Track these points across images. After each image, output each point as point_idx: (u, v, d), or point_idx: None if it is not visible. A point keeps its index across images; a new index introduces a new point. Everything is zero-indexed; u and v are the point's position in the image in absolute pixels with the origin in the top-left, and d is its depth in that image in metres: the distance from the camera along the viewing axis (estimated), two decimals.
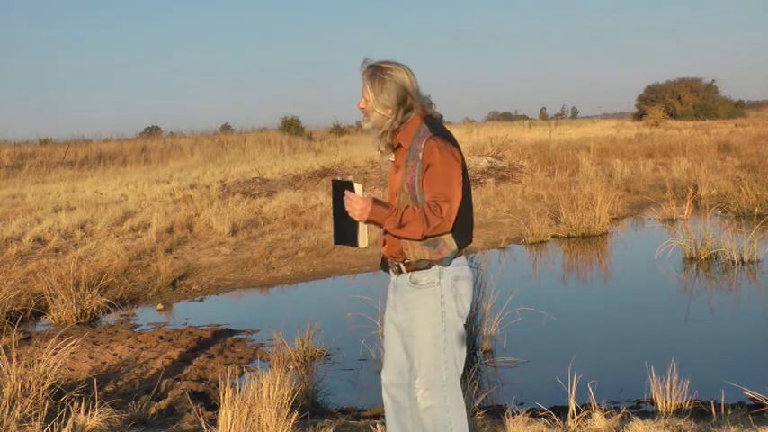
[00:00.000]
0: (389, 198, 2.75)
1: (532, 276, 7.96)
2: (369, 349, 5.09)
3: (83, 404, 3.82)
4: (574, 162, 16.96)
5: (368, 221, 2.59)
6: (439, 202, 2.57)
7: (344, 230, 2.65)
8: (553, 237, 9.85)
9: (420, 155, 2.60)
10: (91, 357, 5.44)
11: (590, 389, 3.86)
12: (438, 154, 2.60)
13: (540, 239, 9.60)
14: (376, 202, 2.59)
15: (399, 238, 2.65)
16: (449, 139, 2.66)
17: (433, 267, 2.67)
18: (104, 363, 5.31)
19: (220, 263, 9.07)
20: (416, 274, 2.69)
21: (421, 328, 2.68)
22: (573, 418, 3.63)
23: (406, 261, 2.69)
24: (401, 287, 2.74)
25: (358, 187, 2.59)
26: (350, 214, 2.57)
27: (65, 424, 3.52)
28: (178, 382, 4.74)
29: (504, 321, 5.37)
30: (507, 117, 68.64)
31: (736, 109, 48.74)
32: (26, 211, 13.57)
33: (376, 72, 2.67)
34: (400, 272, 2.73)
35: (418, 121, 2.67)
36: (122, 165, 26.12)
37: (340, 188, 2.61)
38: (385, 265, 2.85)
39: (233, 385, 3.33)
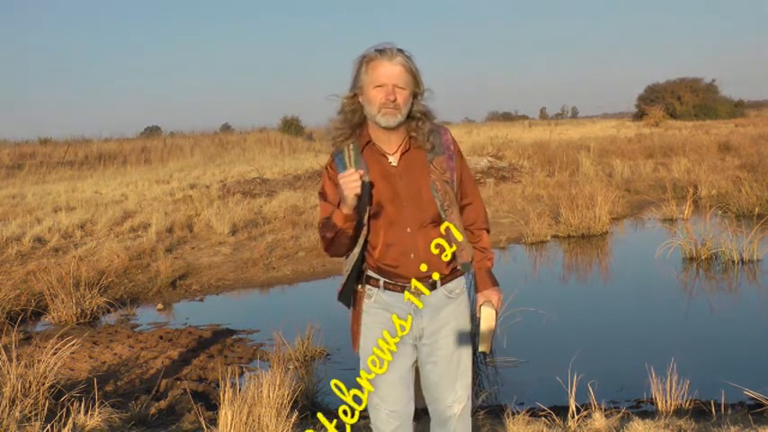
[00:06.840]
0: (390, 208, 2.29)
1: (532, 276, 7.95)
2: None
3: (83, 404, 3.82)
4: (574, 162, 16.96)
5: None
6: (481, 202, 2.43)
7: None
8: (553, 237, 9.85)
9: (452, 147, 2.31)
10: (91, 357, 5.44)
11: (590, 389, 3.85)
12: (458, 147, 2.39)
13: (540, 239, 9.59)
14: (483, 285, 2.38)
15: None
16: None
17: (460, 276, 2.39)
18: (104, 363, 5.31)
19: (220, 263, 9.06)
20: (450, 285, 2.34)
21: (462, 340, 2.39)
22: (573, 417, 3.63)
23: (445, 272, 2.32)
24: (429, 308, 2.32)
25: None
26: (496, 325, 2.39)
27: (65, 424, 3.51)
28: (178, 382, 4.74)
29: (504, 321, 5.37)
30: (507, 117, 68.59)
31: (737, 109, 48.71)
32: (26, 211, 13.58)
33: (404, 52, 2.20)
34: (433, 288, 2.30)
35: None
36: (122, 165, 26.17)
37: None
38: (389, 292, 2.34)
39: (233, 385, 3.33)
